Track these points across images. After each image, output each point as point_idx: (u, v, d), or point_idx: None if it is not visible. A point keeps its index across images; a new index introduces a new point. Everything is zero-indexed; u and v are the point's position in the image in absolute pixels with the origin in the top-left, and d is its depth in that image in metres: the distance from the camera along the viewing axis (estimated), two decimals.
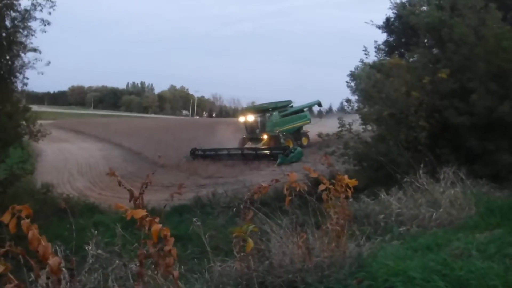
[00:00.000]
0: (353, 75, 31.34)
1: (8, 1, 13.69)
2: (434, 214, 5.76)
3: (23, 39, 14.27)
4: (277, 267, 3.71)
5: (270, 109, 28.63)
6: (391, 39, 17.05)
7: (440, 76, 9.48)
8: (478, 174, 7.97)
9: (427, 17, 10.99)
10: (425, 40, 11.52)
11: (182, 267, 3.92)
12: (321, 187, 4.00)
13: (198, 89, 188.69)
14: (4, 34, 13.81)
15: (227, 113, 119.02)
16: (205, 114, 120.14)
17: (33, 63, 14.60)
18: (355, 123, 11.98)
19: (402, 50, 15.35)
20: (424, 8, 12.31)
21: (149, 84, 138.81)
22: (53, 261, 2.30)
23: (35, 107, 18.88)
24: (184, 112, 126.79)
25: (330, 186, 4.08)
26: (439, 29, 10.61)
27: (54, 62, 15.67)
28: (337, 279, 3.54)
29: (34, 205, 2.38)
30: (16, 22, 13.97)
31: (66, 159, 30.61)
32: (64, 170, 26.46)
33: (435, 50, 11.35)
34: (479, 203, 6.19)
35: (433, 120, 9.42)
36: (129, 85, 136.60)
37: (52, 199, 14.68)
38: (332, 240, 4.04)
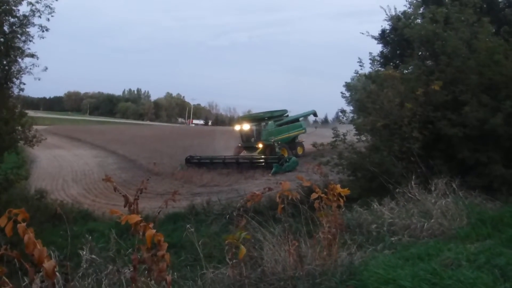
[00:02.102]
0: (348, 86, 31.58)
1: (7, 7, 13.73)
2: (426, 224, 5.81)
3: (21, 45, 14.31)
4: (269, 275, 3.75)
5: (266, 118, 28.72)
6: (386, 50, 17.19)
7: (433, 88, 9.59)
8: (471, 185, 8.02)
9: (421, 30, 11.15)
10: (419, 52, 11.64)
11: (175, 274, 3.95)
12: (313, 195, 4.06)
13: (194, 97, 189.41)
14: (2, 40, 13.84)
15: (223, 121, 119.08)
16: (191, 123, 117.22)
17: (30, 69, 14.64)
18: (350, 133, 12.07)
19: (397, 61, 15.48)
20: (419, 21, 12.47)
21: (145, 91, 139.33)
22: (48, 264, 2.33)
23: (30, 113, 18.81)
24: (180, 119, 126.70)
25: (323, 195, 4.13)
26: (433, 42, 10.76)
27: (50, 67, 15.63)
28: (329, 287, 3.58)
29: (28, 211, 2.40)
30: (14, 27, 14.01)
31: (60, 165, 30.48)
32: (58, 176, 26.34)
33: (428, 62, 11.48)
34: (471, 214, 6.25)
35: (426, 131, 9.50)
36: (125, 92, 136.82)
37: (46, 205, 14.61)
38: (324, 248, 4.09)
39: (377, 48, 17.30)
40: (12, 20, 14.03)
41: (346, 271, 3.81)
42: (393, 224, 5.99)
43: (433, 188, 6.97)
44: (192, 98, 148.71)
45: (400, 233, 5.71)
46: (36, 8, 14.02)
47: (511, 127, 8.63)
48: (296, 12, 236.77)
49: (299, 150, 28.40)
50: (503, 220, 5.85)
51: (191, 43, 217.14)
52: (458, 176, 7.90)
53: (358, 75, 15.52)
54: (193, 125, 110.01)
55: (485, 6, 13.20)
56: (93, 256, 3.60)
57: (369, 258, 4.45)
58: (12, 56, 14.15)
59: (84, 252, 3.62)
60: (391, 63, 15.05)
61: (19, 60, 14.52)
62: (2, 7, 13.66)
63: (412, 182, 7.15)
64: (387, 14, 15.32)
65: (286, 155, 25.21)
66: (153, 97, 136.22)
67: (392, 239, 5.49)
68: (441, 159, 9.14)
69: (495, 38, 10.42)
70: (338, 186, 4.25)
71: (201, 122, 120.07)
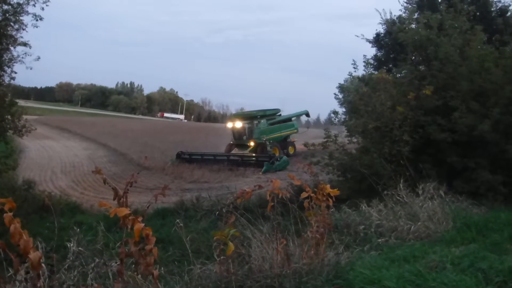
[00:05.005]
0: (341, 88, 31.75)
1: None
2: (413, 227, 5.89)
3: (14, 33, 14.15)
4: (256, 272, 3.76)
5: (258, 117, 28.70)
6: (380, 54, 17.35)
7: (424, 92, 9.68)
8: (458, 190, 8.14)
9: (415, 35, 11.25)
10: (412, 57, 11.75)
11: (162, 268, 3.94)
12: (303, 195, 4.08)
13: (187, 93, 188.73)
14: None
15: (215, 118, 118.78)
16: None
17: (22, 58, 14.48)
18: (341, 134, 12.15)
19: (390, 65, 15.64)
20: (413, 26, 12.58)
21: (138, 85, 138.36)
22: (34, 255, 2.31)
23: (21, 102, 18.59)
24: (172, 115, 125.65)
25: (312, 195, 4.16)
26: (426, 47, 10.87)
27: (42, 57, 15.44)
28: (315, 286, 3.61)
29: (15, 202, 2.38)
30: (7, 15, 13.84)
31: (49, 156, 30.16)
32: (47, 167, 26.06)
33: (421, 67, 11.59)
34: (457, 218, 6.35)
35: (416, 135, 9.60)
36: (118, 85, 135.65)
37: (33, 196, 14.44)
38: (311, 247, 4.12)
39: (371, 51, 17.49)
40: (5, 7, 13.87)
41: (333, 271, 3.84)
42: (380, 225, 6.06)
43: (420, 192, 7.06)
44: (185, 93, 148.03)
45: (387, 234, 5.78)
46: None
47: (499, 134, 8.77)
48: (292, 12, 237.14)
49: (291, 150, 28.45)
50: (488, 225, 5.96)
51: (186, 38, 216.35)
52: (445, 180, 8.01)
53: (351, 77, 15.64)
54: (185, 121, 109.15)
55: (478, 14, 13.37)
56: (80, 248, 3.58)
57: (355, 258, 4.49)
58: (4, 44, 13.99)
59: (71, 244, 3.60)
60: (384, 67, 15.19)
61: (11, 48, 14.39)
62: None
63: (401, 185, 7.23)
64: (382, 18, 15.47)
65: (277, 154, 25.23)
66: (146, 91, 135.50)
67: (379, 240, 5.55)
68: (429, 163, 9.24)
69: (487, 46, 10.57)
70: (328, 186, 4.28)
71: (180, 117, 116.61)
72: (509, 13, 16.06)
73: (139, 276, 2.96)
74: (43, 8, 14.20)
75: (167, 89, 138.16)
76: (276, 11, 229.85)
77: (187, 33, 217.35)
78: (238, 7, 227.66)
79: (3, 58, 14.19)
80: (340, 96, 32.75)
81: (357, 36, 15.40)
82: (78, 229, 3.98)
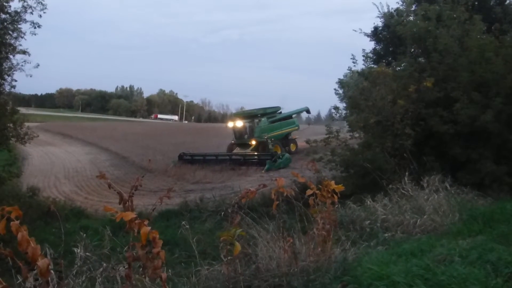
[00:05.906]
0: (341, 83, 31.63)
1: None
2: (419, 220, 5.87)
3: (13, 41, 14.17)
4: (264, 271, 3.75)
5: (259, 115, 28.68)
6: (379, 47, 17.29)
7: (425, 85, 9.65)
8: (462, 182, 8.11)
9: (413, 27, 11.21)
10: (412, 50, 11.73)
11: (169, 271, 3.94)
12: (308, 192, 4.06)
13: (187, 94, 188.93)
14: None
15: (215, 118, 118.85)
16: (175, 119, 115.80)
17: (22, 65, 14.50)
18: (343, 130, 12.12)
19: (390, 58, 15.59)
20: (411, 18, 12.55)
21: (138, 88, 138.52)
22: (42, 262, 2.31)
23: (22, 110, 18.61)
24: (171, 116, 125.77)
25: (317, 192, 4.14)
26: (425, 39, 10.83)
27: (42, 64, 15.45)
28: (323, 283, 3.60)
29: (20, 209, 2.39)
30: (5, 24, 13.86)
31: (52, 162, 30.20)
32: (50, 174, 26.09)
33: (421, 59, 11.56)
34: (463, 210, 6.32)
35: (418, 128, 9.57)
36: (118, 89, 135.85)
37: (38, 203, 14.46)
38: (318, 245, 4.11)
39: (369, 45, 17.45)
40: (3, 16, 13.88)
41: (340, 268, 3.82)
42: (386, 220, 6.03)
43: (425, 185, 7.03)
44: (185, 95, 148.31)
45: (393, 229, 5.76)
46: (28, 5, 13.88)
47: (502, 124, 8.73)
48: (287, 9, 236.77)
49: (292, 147, 28.43)
50: (494, 216, 5.92)
51: (183, 40, 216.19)
52: (449, 173, 7.98)
53: (351, 72, 15.62)
54: (186, 122, 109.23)
55: (476, 3, 13.32)
56: (88, 253, 3.58)
57: (362, 254, 4.47)
58: (3, 53, 14.00)
59: (78, 250, 3.60)
60: (384, 60, 15.14)
61: (11, 56, 14.40)
62: None
63: (406, 178, 7.20)
64: (379, 11, 15.44)
65: (279, 152, 25.21)
66: (146, 94, 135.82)
67: (385, 235, 5.52)
68: (433, 155, 9.22)
69: (486, 35, 10.52)
70: (333, 182, 4.26)
71: (174, 117, 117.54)
72: (507, 1, 16.00)
73: (147, 279, 2.95)
74: (40, 16, 14.20)
75: (167, 91, 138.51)
76: (271, 10, 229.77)
77: (184, 34, 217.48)
78: (232, 7, 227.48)
79: (3, 67, 14.21)
80: (340, 91, 32.63)
81: (355, 30, 15.43)
82: (84, 234, 3.97)
